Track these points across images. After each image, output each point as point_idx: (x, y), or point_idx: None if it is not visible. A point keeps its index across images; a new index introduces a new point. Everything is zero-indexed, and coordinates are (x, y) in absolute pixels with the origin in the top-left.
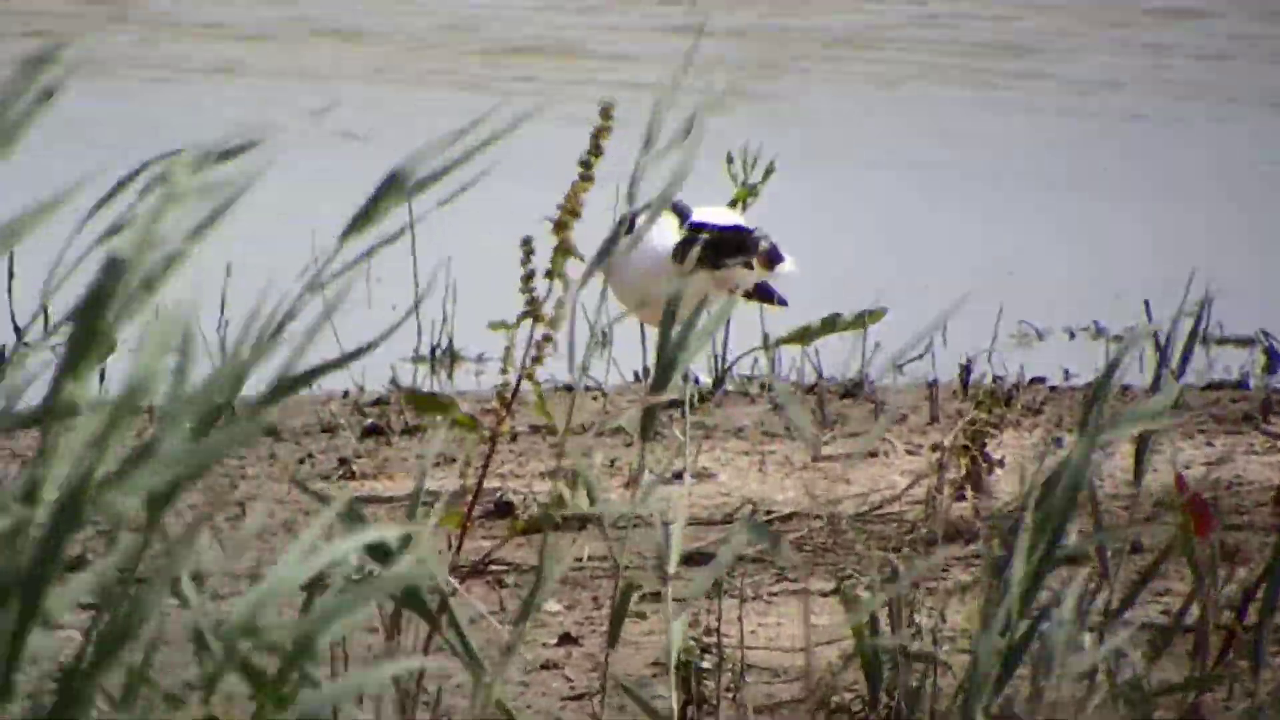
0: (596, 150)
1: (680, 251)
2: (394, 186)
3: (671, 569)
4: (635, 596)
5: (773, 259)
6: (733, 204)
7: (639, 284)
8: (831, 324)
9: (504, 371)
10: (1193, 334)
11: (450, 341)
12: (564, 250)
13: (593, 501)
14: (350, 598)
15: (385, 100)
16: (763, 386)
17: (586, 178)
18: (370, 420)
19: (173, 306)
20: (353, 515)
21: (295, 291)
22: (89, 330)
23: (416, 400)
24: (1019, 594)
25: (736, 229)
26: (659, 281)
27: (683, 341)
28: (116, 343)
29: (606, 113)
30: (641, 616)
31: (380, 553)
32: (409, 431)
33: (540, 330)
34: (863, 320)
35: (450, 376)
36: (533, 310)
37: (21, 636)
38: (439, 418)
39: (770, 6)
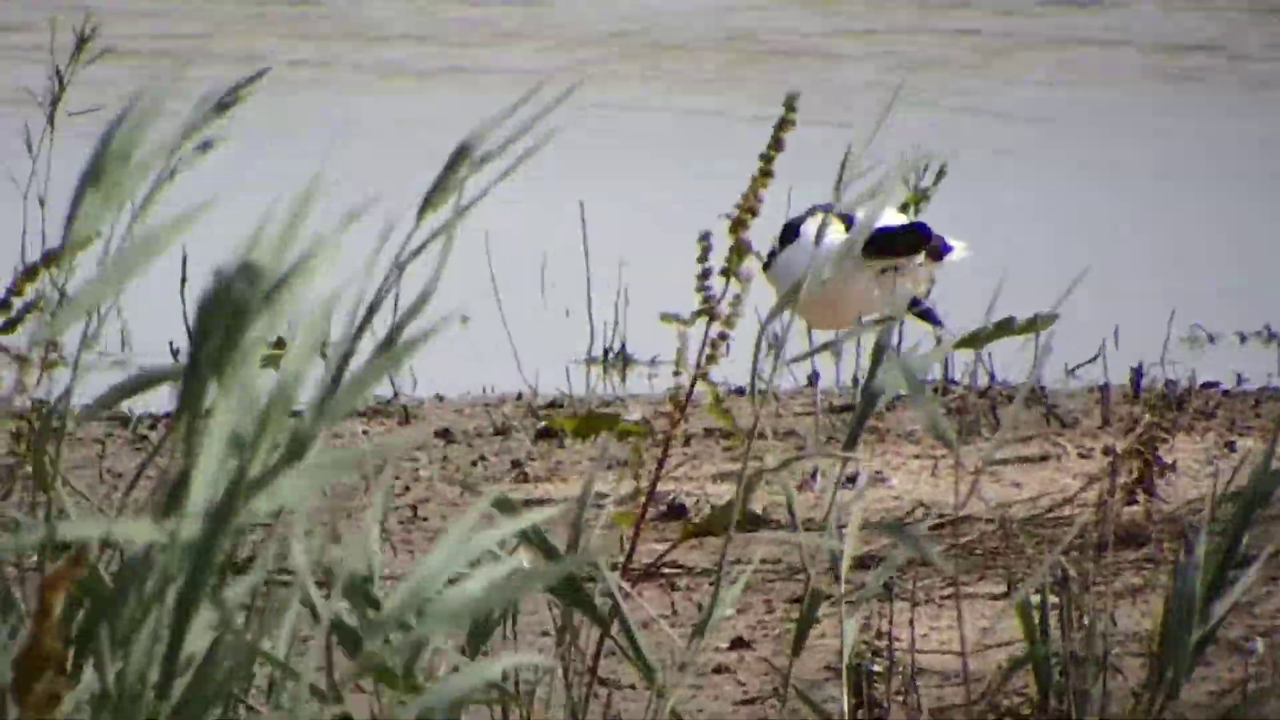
0: (776, 145)
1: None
2: (461, 159)
3: (844, 574)
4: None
5: (940, 250)
6: (903, 208)
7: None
8: (1005, 328)
9: (676, 373)
10: None
11: (623, 344)
12: (741, 248)
13: (791, 509)
14: (502, 587)
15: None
16: (936, 391)
17: (766, 173)
18: (543, 423)
19: (315, 306)
20: (507, 508)
21: (379, 274)
22: (223, 333)
23: (577, 425)
24: (1200, 597)
25: (905, 225)
26: (821, 280)
27: (885, 362)
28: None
29: (790, 104)
30: (814, 620)
31: (548, 552)
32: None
33: (715, 329)
34: (1035, 324)
35: (623, 379)
36: (708, 309)
37: (179, 637)
38: (605, 431)
39: (971, 9)
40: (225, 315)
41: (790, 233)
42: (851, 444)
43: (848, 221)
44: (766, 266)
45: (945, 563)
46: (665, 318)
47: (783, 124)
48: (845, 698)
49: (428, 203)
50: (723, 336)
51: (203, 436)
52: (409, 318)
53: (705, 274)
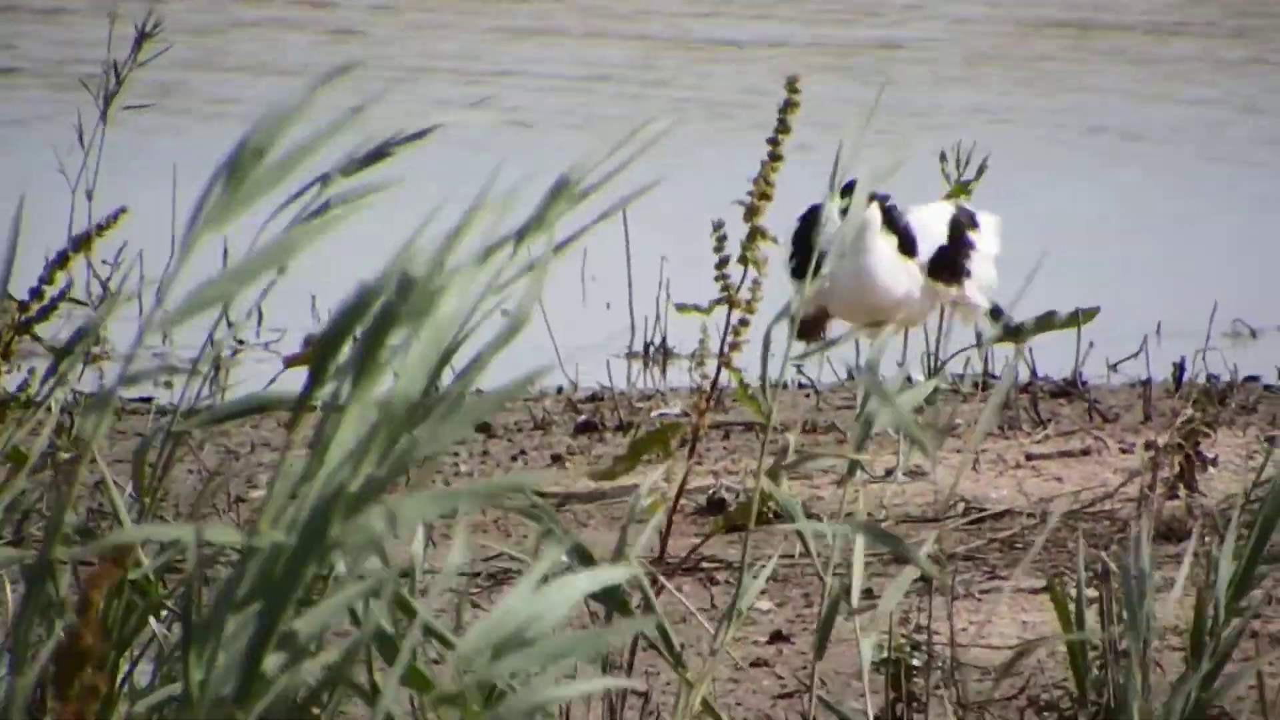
0: (784, 127)
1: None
2: (562, 192)
3: (856, 591)
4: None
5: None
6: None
7: (880, 293)
8: (1046, 323)
9: (700, 363)
10: None
11: (664, 338)
12: (757, 234)
13: (790, 511)
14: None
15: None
16: (976, 385)
17: (775, 157)
18: (584, 417)
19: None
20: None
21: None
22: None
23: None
24: (1231, 591)
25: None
26: (900, 291)
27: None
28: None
29: (793, 86)
30: (832, 623)
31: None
32: (622, 428)
33: (736, 316)
34: (1076, 319)
35: (664, 373)
36: (728, 296)
37: (265, 644)
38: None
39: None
40: (363, 322)
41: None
42: (858, 448)
43: (888, 213)
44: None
45: (932, 568)
46: (682, 308)
47: (787, 107)
48: (868, 701)
49: (525, 233)
50: (744, 323)
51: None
52: (497, 347)
53: (723, 262)
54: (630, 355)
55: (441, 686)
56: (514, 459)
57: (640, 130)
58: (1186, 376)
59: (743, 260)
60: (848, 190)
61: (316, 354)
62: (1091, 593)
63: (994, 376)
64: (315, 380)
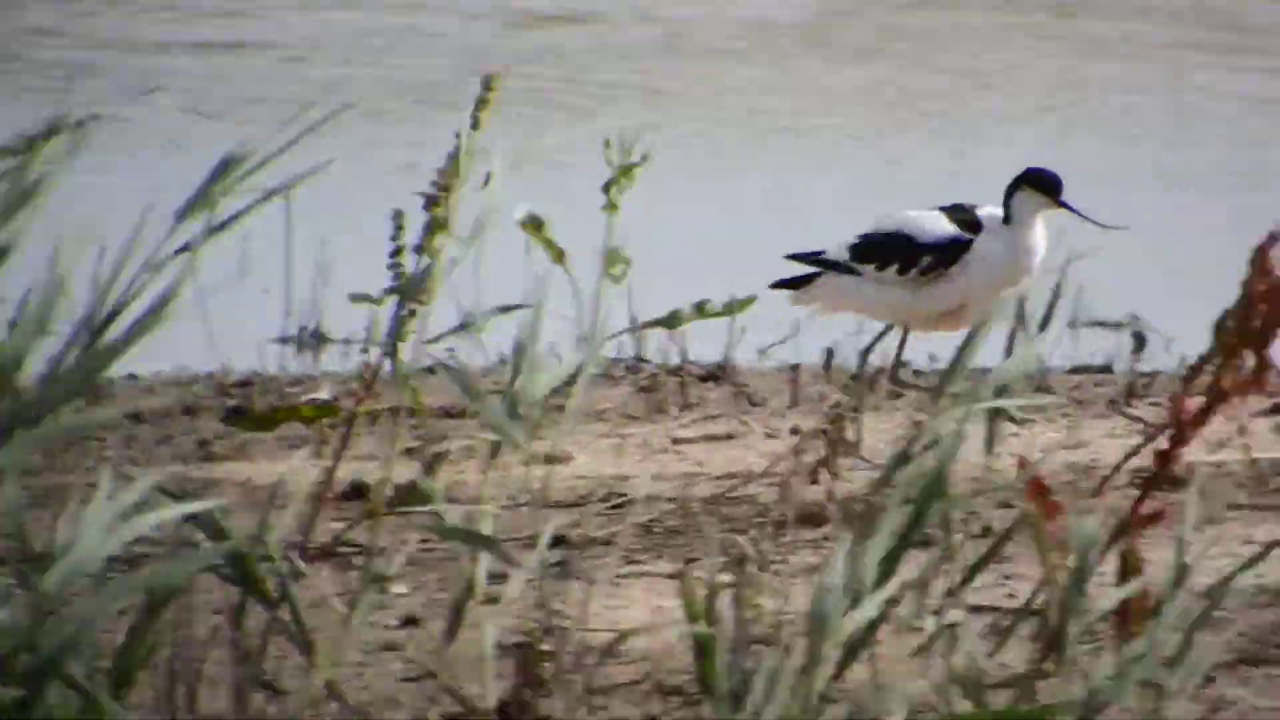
0: (475, 123)
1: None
2: (228, 171)
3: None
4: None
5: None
6: (606, 188)
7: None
8: (700, 309)
9: (364, 350)
10: (1049, 314)
11: (318, 323)
12: (438, 225)
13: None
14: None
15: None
16: (627, 369)
17: (466, 150)
18: (233, 402)
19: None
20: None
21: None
22: None
23: (241, 422)
24: (871, 576)
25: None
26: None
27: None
28: None
29: (489, 84)
30: (494, 601)
31: (216, 533)
32: (272, 413)
33: (408, 307)
34: (731, 307)
35: (316, 358)
36: (401, 286)
37: None
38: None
39: None
40: None
41: (968, 226)
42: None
43: (964, 212)
44: (939, 261)
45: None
46: (356, 298)
47: (481, 103)
48: (489, 682)
49: (187, 212)
50: (413, 313)
51: None
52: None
53: (397, 251)
54: (284, 339)
55: None
56: (159, 444)
57: (306, 111)
58: (835, 362)
59: (420, 250)
60: (955, 208)
61: None
62: (728, 577)
63: (644, 360)
64: None
